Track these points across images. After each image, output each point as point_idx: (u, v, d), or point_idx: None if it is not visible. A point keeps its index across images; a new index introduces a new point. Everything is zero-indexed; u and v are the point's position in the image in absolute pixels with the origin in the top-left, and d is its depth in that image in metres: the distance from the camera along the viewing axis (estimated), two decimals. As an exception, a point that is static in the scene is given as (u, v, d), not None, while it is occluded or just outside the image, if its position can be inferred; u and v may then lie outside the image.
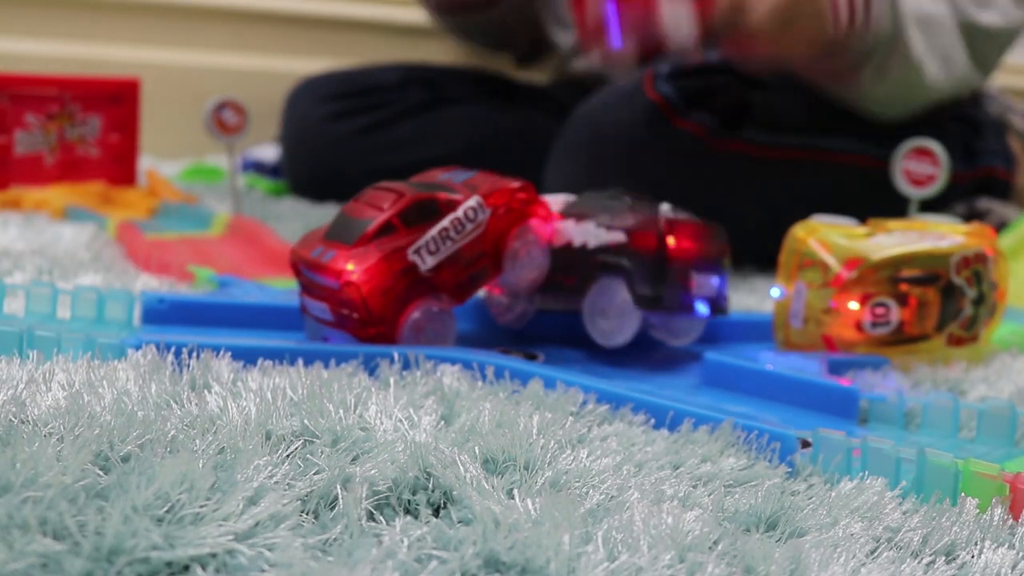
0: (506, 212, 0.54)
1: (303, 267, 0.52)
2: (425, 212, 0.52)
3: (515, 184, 0.55)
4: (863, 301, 0.56)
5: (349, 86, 1.20)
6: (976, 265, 0.58)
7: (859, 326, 0.56)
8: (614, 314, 0.54)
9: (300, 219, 1.03)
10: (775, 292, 0.59)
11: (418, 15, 1.41)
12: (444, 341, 0.52)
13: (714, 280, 0.54)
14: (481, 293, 0.60)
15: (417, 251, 0.51)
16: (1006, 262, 0.61)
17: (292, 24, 1.61)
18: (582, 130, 0.95)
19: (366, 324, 0.50)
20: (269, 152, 1.33)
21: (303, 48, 1.61)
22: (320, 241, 0.52)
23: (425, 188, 0.53)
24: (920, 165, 0.81)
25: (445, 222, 0.52)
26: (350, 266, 0.50)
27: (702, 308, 0.54)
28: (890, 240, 0.58)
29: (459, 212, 0.52)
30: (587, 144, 0.94)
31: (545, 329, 0.60)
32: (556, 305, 0.57)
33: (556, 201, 0.57)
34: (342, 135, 1.17)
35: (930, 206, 0.90)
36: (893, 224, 0.61)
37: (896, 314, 0.57)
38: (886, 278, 0.56)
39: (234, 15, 1.58)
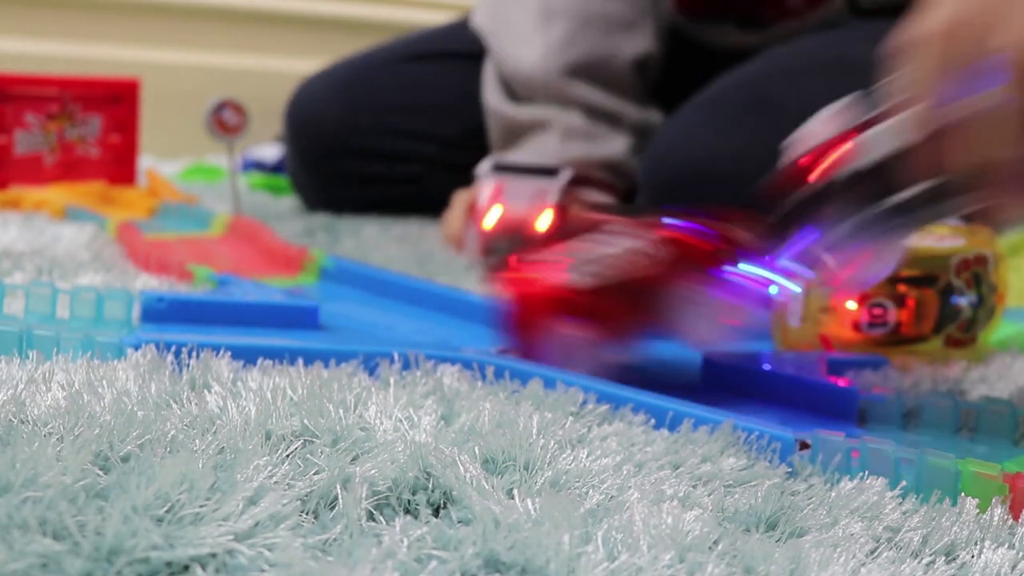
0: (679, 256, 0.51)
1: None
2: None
3: (706, 233, 0.52)
4: (861, 301, 0.56)
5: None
6: (976, 267, 0.58)
7: (856, 326, 0.57)
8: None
9: (300, 219, 1.03)
10: (774, 291, 0.59)
11: (418, 15, 1.41)
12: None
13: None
14: None
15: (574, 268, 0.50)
16: (1007, 264, 0.61)
17: (292, 24, 1.62)
18: None
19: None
20: (269, 152, 1.33)
21: (303, 48, 1.62)
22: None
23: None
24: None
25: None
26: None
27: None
28: None
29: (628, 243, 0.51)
30: None
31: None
32: None
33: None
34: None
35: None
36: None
37: (894, 315, 0.57)
38: (884, 279, 0.56)
39: (234, 15, 1.58)
